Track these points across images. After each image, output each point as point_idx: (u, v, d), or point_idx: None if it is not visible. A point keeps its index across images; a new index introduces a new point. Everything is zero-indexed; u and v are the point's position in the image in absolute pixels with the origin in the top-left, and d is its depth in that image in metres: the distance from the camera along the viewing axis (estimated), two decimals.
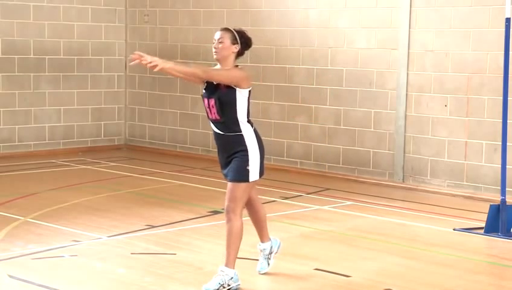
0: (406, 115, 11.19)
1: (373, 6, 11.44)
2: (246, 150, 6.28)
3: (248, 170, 6.27)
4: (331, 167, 11.96)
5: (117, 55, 14.32)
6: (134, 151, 14.13)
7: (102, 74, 14.21)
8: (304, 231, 8.56)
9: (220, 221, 8.16)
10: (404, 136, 11.23)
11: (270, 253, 6.84)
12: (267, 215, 6.95)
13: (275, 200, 10.05)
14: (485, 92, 10.47)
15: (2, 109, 13.15)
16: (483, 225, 8.61)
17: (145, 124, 14.29)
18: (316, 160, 12.12)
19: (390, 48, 11.32)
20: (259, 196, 6.93)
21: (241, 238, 6.31)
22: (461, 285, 6.77)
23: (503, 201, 8.50)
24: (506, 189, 8.70)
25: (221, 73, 6.27)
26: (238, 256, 6.37)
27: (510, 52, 8.54)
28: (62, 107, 13.78)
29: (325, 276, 6.87)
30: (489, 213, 8.52)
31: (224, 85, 6.25)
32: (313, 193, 10.68)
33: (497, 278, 7.20)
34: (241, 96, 6.28)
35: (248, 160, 6.27)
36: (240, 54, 6.37)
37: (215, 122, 6.34)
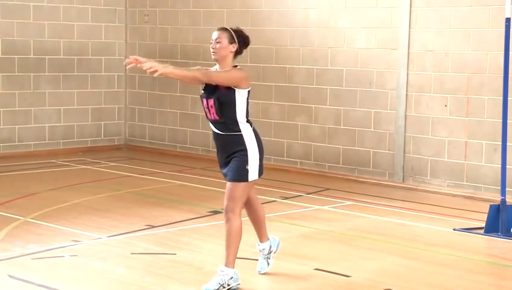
0: (406, 115, 11.19)
1: (373, 6, 11.44)
2: (245, 150, 6.28)
3: (247, 169, 6.27)
4: (331, 167, 11.96)
5: (117, 55, 14.32)
6: (134, 151, 14.13)
7: (102, 74, 14.21)
8: (303, 231, 8.56)
9: (220, 221, 8.15)
10: (404, 136, 11.23)
11: (270, 253, 6.83)
12: (267, 215, 6.95)
13: (275, 200, 10.05)
14: (485, 92, 10.47)
15: (2, 109, 13.15)
16: (483, 225, 8.61)
17: (145, 124, 14.29)
18: (316, 160, 12.12)
19: (390, 48, 11.32)
20: (259, 196, 6.94)
21: (240, 238, 6.31)
22: (461, 285, 6.77)
23: (503, 201, 8.50)
24: (506, 189, 8.70)
25: (220, 75, 6.26)
26: (237, 256, 6.37)
27: (510, 52, 8.54)
28: (62, 107, 13.78)
29: (325, 276, 6.87)
30: (489, 213, 8.52)
31: (223, 85, 6.25)
32: (313, 193, 10.68)
33: (497, 278, 7.21)
34: (240, 97, 6.27)
35: (247, 160, 6.27)
36: (238, 52, 6.36)
37: (214, 122, 6.33)
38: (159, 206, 9.59)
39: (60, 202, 9.62)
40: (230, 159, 6.32)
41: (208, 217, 9.01)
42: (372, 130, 11.54)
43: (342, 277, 6.85)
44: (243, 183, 6.28)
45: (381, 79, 11.42)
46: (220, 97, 6.22)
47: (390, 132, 11.37)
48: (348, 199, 10.27)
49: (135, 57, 6.19)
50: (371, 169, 11.56)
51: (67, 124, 13.86)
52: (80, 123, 14.00)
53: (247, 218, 6.73)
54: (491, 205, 8.59)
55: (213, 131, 6.39)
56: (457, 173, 10.77)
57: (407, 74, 11.14)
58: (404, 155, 11.25)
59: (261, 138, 6.46)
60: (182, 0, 13.62)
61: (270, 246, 6.83)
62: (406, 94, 11.17)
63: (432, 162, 11.00)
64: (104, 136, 14.33)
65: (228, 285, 6.29)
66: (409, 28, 11.09)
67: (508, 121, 8.79)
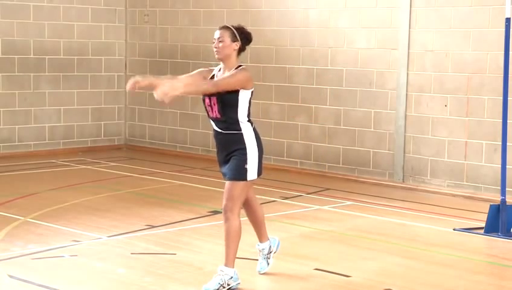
0: (406, 115, 11.19)
1: (373, 6, 11.44)
2: (245, 149, 6.28)
3: (246, 168, 6.27)
4: (331, 167, 11.96)
5: (117, 55, 14.33)
6: (134, 151, 14.13)
7: (102, 74, 14.21)
8: (303, 231, 8.56)
9: (220, 221, 8.11)
10: (404, 136, 11.23)
11: (269, 252, 6.83)
12: (267, 215, 6.95)
13: (275, 200, 10.05)
14: (485, 92, 10.47)
15: (2, 109, 13.15)
16: (483, 225, 8.61)
17: (145, 124, 14.29)
18: (316, 160, 12.12)
19: (390, 48, 11.32)
20: (259, 196, 6.95)
21: (239, 238, 6.31)
22: (461, 285, 6.77)
23: (503, 201, 8.50)
24: (506, 189, 8.69)
25: (228, 81, 6.22)
26: (237, 256, 6.37)
27: (510, 52, 8.54)
28: (62, 107, 13.78)
29: (325, 276, 6.87)
30: (489, 213, 8.52)
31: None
32: (313, 193, 10.68)
33: (497, 278, 7.20)
34: (243, 97, 6.28)
35: (246, 159, 6.27)
36: (241, 50, 6.37)
37: (215, 120, 6.33)
38: (159, 206, 9.59)
39: (60, 202, 9.62)
40: (230, 158, 6.32)
41: (207, 217, 9.01)
42: (372, 130, 11.54)
43: (342, 277, 6.85)
44: (241, 183, 6.28)
45: (381, 79, 11.42)
46: (223, 96, 6.22)
47: (390, 132, 11.37)
48: (348, 199, 10.27)
49: (135, 79, 6.21)
50: (371, 169, 11.56)
51: (67, 124, 13.86)
52: (79, 123, 14.00)
53: (247, 218, 6.73)
54: (491, 205, 8.59)
55: (214, 129, 6.39)
56: (457, 173, 10.77)
57: (407, 74, 11.14)
58: (404, 155, 11.25)
59: (261, 137, 6.46)
60: (182, 0, 13.62)
61: (270, 246, 6.82)
62: (406, 94, 11.17)
63: (432, 162, 10.99)
64: (104, 136, 14.33)
65: (228, 285, 6.28)
66: (409, 28, 11.09)
67: (508, 121, 8.79)
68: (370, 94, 11.52)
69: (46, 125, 13.63)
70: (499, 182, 8.88)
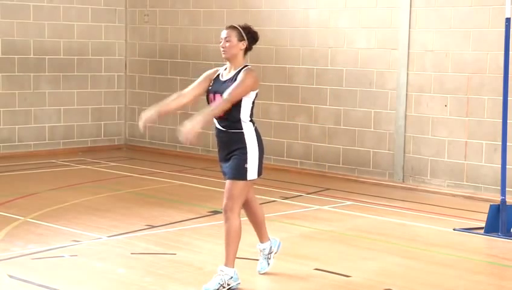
0: (406, 115, 11.19)
1: (373, 6, 11.44)
2: (245, 148, 6.29)
3: (246, 168, 6.27)
4: (331, 167, 11.96)
5: (117, 55, 14.33)
6: (134, 151, 14.13)
7: (102, 74, 14.21)
8: (303, 231, 8.56)
9: (220, 221, 8.12)
10: (404, 136, 11.23)
11: (270, 253, 6.83)
12: (267, 215, 6.95)
13: (275, 200, 10.05)
14: (485, 92, 10.47)
15: (2, 109, 13.15)
16: (483, 225, 8.61)
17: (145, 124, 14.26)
18: (316, 160, 12.12)
19: (390, 48, 11.32)
20: (259, 196, 6.95)
21: (239, 237, 6.31)
22: (461, 285, 6.77)
23: (503, 201, 8.50)
24: (506, 189, 8.70)
25: (239, 92, 6.22)
26: (237, 256, 6.37)
27: (510, 52, 8.54)
28: (62, 107, 13.78)
29: (325, 276, 6.87)
30: (489, 213, 8.52)
31: (232, 83, 6.26)
32: (313, 193, 10.68)
33: (497, 278, 7.20)
34: (247, 97, 6.30)
35: (246, 158, 6.27)
36: (248, 49, 6.40)
37: (218, 118, 6.34)
38: (159, 206, 9.59)
39: (60, 202, 9.62)
40: (230, 157, 6.32)
41: (208, 217, 9.01)
42: (372, 130, 11.54)
43: (342, 277, 6.85)
44: (241, 182, 6.28)
45: (381, 79, 11.42)
46: None
47: (390, 132, 11.37)
48: (348, 199, 10.27)
49: (143, 118, 6.42)
50: (371, 169, 11.56)
51: (67, 124, 13.86)
52: (79, 123, 14.00)
53: (247, 218, 6.73)
54: (491, 205, 8.59)
55: (216, 127, 6.41)
56: (457, 173, 10.77)
57: (407, 74, 11.14)
58: (404, 155, 11.25)
59: (262, 138, 6.47)
60: (182, 0, 13.62)
61: (271, 247, 6.83)
62: (406, 94, 11.17)
63: (432, 162, 10.99)
64: (104, 136, 14.33)
65: (228, 285, 6.28)
66: (409, 28, 11.09)
67: (508, 121, 8.79)
68: (370, 94, 11.52)
69: (46, 125, 13.63)
70: (499, 182, 8.88)
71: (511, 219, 8.49)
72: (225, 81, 6.32)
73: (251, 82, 6.26)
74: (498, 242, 8.27)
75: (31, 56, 13.34)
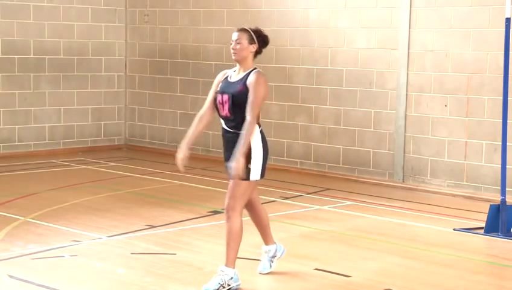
0: (406, 115, 11.19)
1: (373, 6, 11.44)
2: (249, 149, 6.30)
3: (249, 168, 6.28)
4: (331, 167, 11.96)
5: (117, 55, 14.33)
6: (134, 151, 14.13)
7: (102, 74, 14.21)
8: (303, 231, 8.56)
9: (220, 221, 8.15)
10: (404, 136, 11.23)
11: (274, 256, 6.83)
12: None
13: (275, 200, 10.05)
14: (485, 92, 10.47)
15: (2, 109, 13.15)
16: (483, 225, 8.61)
17: (145, 124, 14.29)
18: (316, 160, 12.12)
19: (390, 48, 11.32)
20: (260, 196, 6.93)
21: (241, 238, 6.31)
22: (461, 285, 6.77)
23: (503, 201, 8.50)
24: (506, 189, 8.69)
25: (256, 106, 6.30)
26: (238, 256, 6.37)
27: (510, 52, 8.54)
28: (62, 107, 13.78)
29: (325, 276, 6.87)
30: (489, 213, 8.52)
31: (241, 84, 6.28)
32: (313, 193, 10.68)
33: (497, 278, 7.20)
34: None
35: (250, 159, 6.28)
36: (258, 52, 6.44)
37: (225, 118, 6.38)
38: (159, 206, 9.59)
39: (60, 202, 9.62)
40: None
41: (208, 217, 9.01)
42: (372, 130, 11.54)
43: (342, 277, 6.85)
44: (244, 182, 6.29)
45: (381, 79, 11.42)
46: (235, 95, 6.27)
47: (390, 132, 11.37)
48: (348, 199, 10.27)
49: (178, 158, 6.90)
50: (371, 169, 11.56)
51: (67, 124, 13.86)
52: (79, 123, 14.01)
53: (248, 218, 6.73)
54: (491, 205, 8.59)
55: (222, 127, 6.44)
56: (457, 173, 10.77)
57: (407, 74, 11.14)
58: (404, 155, 11.25)
59: (267, 140, 6.50)
60: (182, 0, 13.62)
61: (276, 250, 6.83)
62: (406, 94, 11.17)
63: (432, 162, 10.99)
64: (104, 136, 14.33)
65: (228, 285, 6.28)
66: (409, 28, 11.09)
67: (508, 121, 8.79)
68: (370, 94, 11.52)
69: (46, 125, 13.63)
70: (499, 182, 8.88)
71: (511, 219, 8.49)
72: (234, 82, 6.36)
73: (263, 91, 6.41)
74: (498, 242, 8.27)
75: (31, 56, 13.34)
